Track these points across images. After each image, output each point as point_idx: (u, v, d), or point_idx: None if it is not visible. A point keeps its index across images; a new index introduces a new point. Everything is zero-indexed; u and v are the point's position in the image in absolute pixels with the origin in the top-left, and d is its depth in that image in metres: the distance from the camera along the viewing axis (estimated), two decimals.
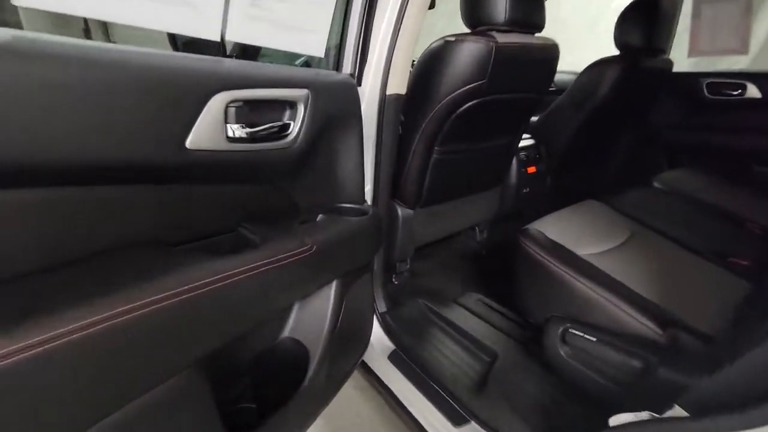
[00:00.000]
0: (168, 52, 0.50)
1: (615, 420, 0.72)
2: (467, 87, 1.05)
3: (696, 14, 1.70)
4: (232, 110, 0.55)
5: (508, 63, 1.05)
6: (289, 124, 0.65)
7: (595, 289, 0.88)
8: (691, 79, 1.74)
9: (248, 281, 0.52)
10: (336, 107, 0.74)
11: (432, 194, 1.29)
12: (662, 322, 0.80)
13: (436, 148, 1.19)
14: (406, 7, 0.83)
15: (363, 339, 1.01)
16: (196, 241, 0.59)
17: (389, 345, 1.20)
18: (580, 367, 0.85)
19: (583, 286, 0.90)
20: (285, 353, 0.78)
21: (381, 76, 0.92)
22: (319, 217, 0.73)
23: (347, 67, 0.85)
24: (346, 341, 0.91)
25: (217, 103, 0.52)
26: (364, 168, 0.87)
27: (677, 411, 0.63)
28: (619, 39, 1.58)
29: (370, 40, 0.88)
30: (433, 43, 1.08)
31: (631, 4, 1.54)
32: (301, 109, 0.65)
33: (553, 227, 1.06)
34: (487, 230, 1.74)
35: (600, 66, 1.55)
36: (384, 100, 0.95)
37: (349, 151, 0.81)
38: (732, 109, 1.69)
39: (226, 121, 0.55)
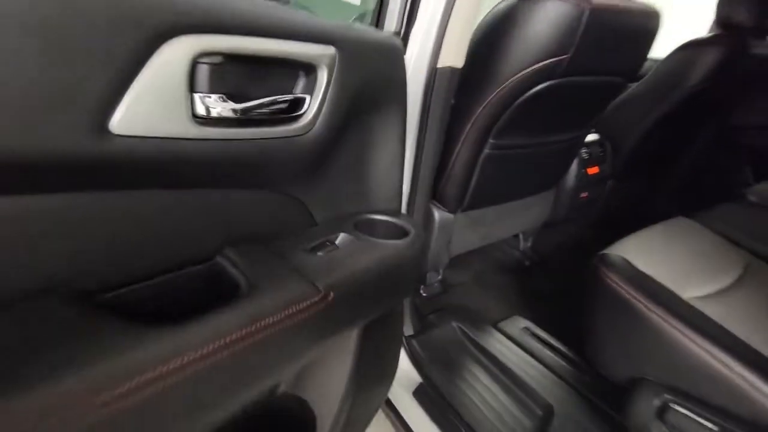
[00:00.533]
0: None
1: None
2: (543, 63, 0.79)
3: None
4: (203, 70, 0.32)
5: (600, 33, 0.79)
6: (304, 99, 0.42)
7: (713, 351, 0.63)
8: None
9: (222, 364, 0.31)
10: (373, 78, 0.51)
11: (477, 197, 1.05)
12: None
13: (490, 141, 0.94)
14: None
15: (387, 377, 0.80)
16: (140, 282, 0.37)
17: (415, 377, 0.99)
18: None
19: (691, 343, 0.66)
20: (283, 414, 0.57)
21: (432, 42, 0.68)
22: (340, 237, 0.51)
23: (391, 23, 0.61)
24: (366, 381, 0.69)
25: (174, 53, 0.29)
26: (404, 165, 0.65)
27: None
28: (721, 13, 1.27)
29: None
30: (502, 2, 0.82)
31: None
32: (323, 76, 0.42)
33: (641, 255, 0.82)
34: (533, 238, 1.49)
35: (693, 48, 1.25)
36: (434, 74, 0.71)
37: (387, 142, 0.58)
38: None
39: (192, 88, 0.32)
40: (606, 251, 0.84)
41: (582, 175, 1.34)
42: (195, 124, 0.33)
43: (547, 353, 1.01)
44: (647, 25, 0.88)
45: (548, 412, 0.86)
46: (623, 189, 1.48)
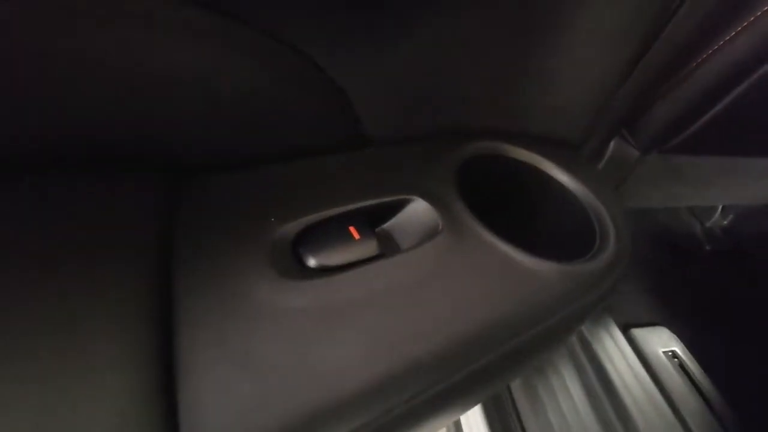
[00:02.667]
0: None
1: None
2: None
3: None
4: None
5: None
6: None
7: None
8: None
9: None
10: None
11: (703, 136, 0.61)
12: None
13: None
14: None
15: None
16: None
17: None
18: None
19: None
20: None
21: None
22: (411, 204, 0.20)
23: None
24: None
25: None
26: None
27: None
28: None
29: None
30: None
31: None
32: None
33: None
34: (734, 215, 0.97)
35: None
36: None
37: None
38: None
39: None
40: None
41: None
42: None
43: (689, 399, 0.67)
44: None
45: None
46: None
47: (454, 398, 0.23)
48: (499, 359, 0.22)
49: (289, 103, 0.23)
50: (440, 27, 0.23)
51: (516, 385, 0.70)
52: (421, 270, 0.22)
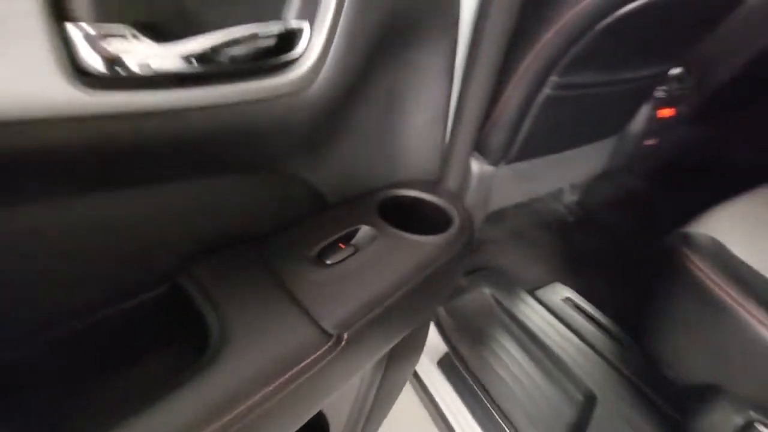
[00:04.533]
0: None
1: None
2: None
3: None
4: None
5: None
6: (300, 30, 0.26)
7: None
8: None
9: None
10: None
11: (526, 147, 0.87)
12: None
13: (552, 78, 0.74)
14: None
15: (418, 348, 0.71)
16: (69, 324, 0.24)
17: (440, 346, 0.91)
18: None
19: None
20: None
21: None
22: (360, 231, 0.37)
23: None
24: (397, 352, 0.60)
25: None
26: (448, 115, 0.49)
27: None
28: None
29: None
30: None
31: None
32: None
33: (736, 235, 0.64)
34: (580, 191, 1.31)
35: None
36: None
37: (431, 84, 0.42)
38: None
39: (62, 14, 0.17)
40: (689, 229, 0.67)
41: (651, 118, 1.12)
42: (84, 87, 0.18)
43: (591, 330, 0.90)
44: None
45: (591, 399, 0.77)
46: (697, 136, 1.25)
47: (386, 321, 0.37)
48: (410, 293, 0.38)
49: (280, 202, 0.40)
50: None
51: (469, 357, 0.87)
52: (372, 257, 0.39)
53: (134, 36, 0.19)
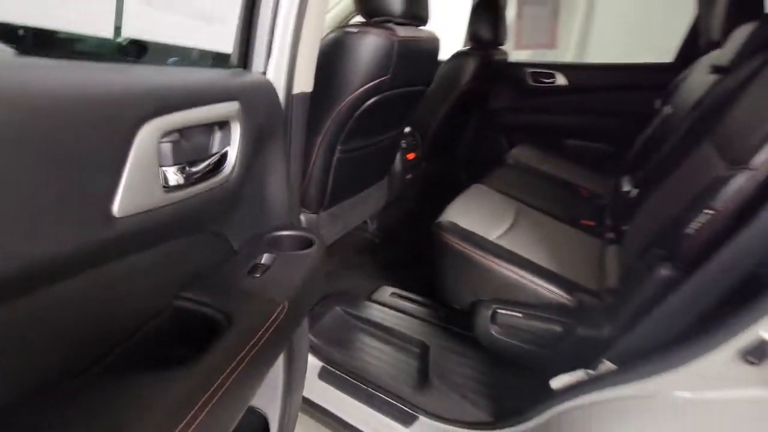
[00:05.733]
0: (49, 60, 0.30)
1: (556, 382, 0.83)
2: (371, 84, 1.00)
3: (519, 14, 2.02)
4: (166, 147, 0.38)
5: (407, 57, 1.04)
6: (226, 153, 0.49)
7: (513, 269, 0.98)
8: (519, 68, 2.07)
9: (229, 392, 0.37)
10: (263, 116, 0.60)
11: (335, 195, 1.22)
12: (567, 288, 0.95)
13: (338, 147, 1.11)
14: None
15: (305, 369, 0.91)
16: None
17: (316, 363, 1.12)
18: (513, 341, 0.94)
19: (502, 269, 0.99)
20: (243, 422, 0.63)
21: (285, 74, 0.79)
22: (264, 257, 0.59)
23: (258, 64, 0.69)
24: (294, 377, 0.80)
25: (147, 137, 0.34)
26: (291, 180, 0.76)
27: (607, 365, 0.76)
28: (471, 32, 1.75)
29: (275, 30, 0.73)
30: (331, 32, 0.98)
31: (477, 2, 1.71)
32: (235, 128, 0.50)
33: (462, 217, 1.14)
34: (377, 219, 1.76)
35: (460, 57, 1.69)
36: (291, 100, 0.82)
37: (277, 162, 0.68)
38: (547, 94, 2.08)
39: (160, 164, 0.37)
40: (440, 219, 1.13)
41: (404, 161, 1.66)
42: (165, 192, 0.38)
43: (414, 308, 1.28)
44: (433, 46, 1.18)
45: (424, 348, 1.12)
46: (432, 168, 1.89)
47: (301, 294, 0.61)
48: (307, 280, 0.62)
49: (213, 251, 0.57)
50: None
51: (341, 361, 1.11)
52: (279, 267, 0.60)
53: (179, 169, 0.40)
